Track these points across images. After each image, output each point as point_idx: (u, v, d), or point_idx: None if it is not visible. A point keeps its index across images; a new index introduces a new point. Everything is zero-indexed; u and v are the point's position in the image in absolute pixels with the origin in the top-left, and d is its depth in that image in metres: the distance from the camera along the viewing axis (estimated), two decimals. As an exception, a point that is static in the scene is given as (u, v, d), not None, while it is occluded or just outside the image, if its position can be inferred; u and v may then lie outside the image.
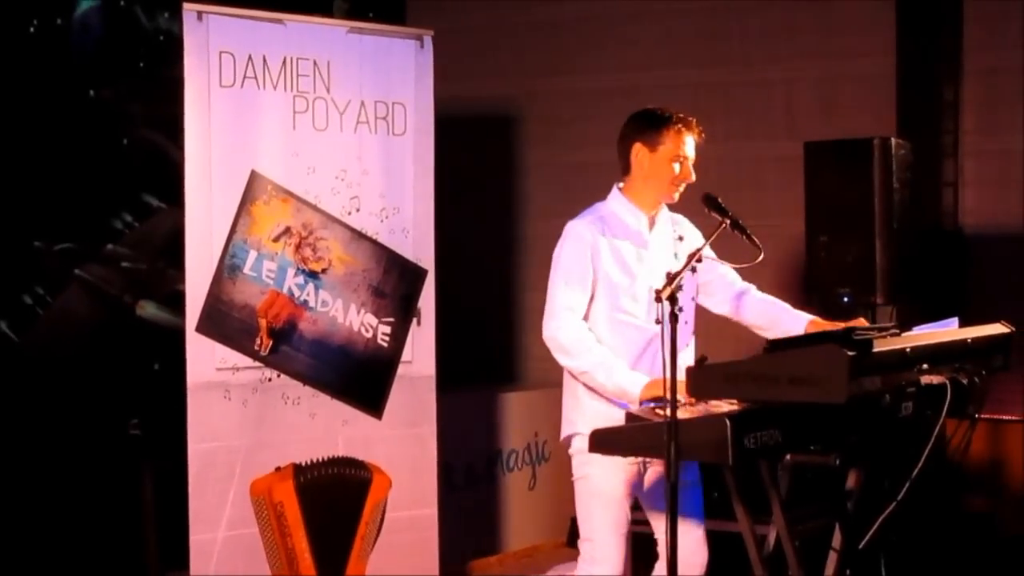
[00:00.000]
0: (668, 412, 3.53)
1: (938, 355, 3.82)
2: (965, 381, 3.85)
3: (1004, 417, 5.85)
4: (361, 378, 5.27)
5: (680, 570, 3.70)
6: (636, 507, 4.22)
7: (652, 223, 4.19)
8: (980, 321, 4.13)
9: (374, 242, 5.29)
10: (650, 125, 4.13)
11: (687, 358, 4.06)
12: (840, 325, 3.99)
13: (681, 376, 3.65)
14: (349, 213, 5.22)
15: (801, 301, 4.41)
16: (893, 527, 3.94)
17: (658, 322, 3.66)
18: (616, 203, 4.18)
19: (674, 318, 3.60)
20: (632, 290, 4.10)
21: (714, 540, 4.27)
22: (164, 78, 5.84)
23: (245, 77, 5.01)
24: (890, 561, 4.21)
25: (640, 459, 4.08)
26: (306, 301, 5.14)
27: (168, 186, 5.86)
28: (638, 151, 4.13)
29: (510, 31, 7.59)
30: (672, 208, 4.26)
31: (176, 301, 5.58)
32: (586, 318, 4.09)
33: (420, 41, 5.38)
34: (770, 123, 6.89)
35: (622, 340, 4.08)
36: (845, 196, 5.53)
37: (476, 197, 7.40)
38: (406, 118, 5.35)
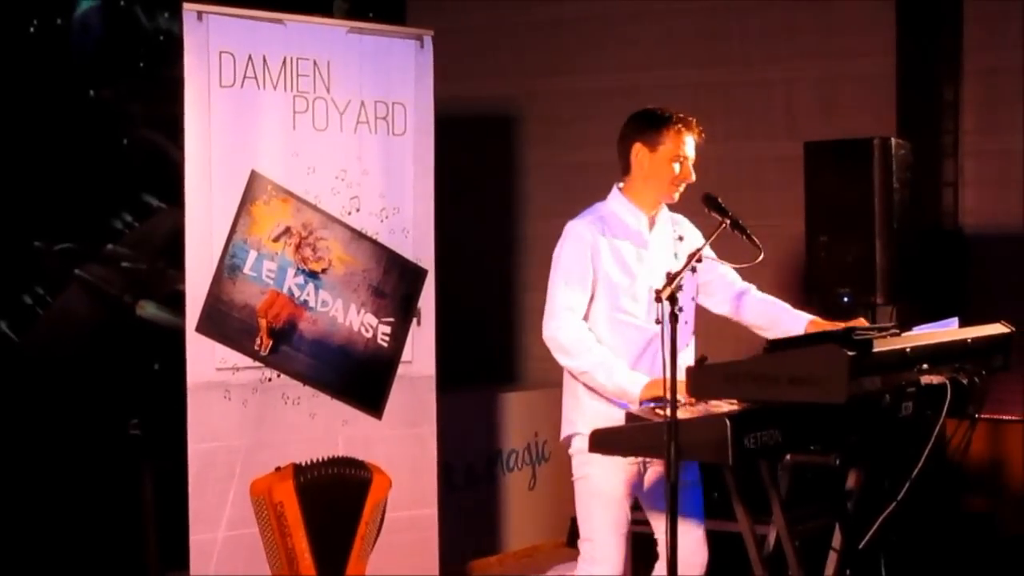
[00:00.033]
0: (668, 412, 3.53)
1: (938, 355, 3.82)
2: (965, 381, 3.85)
3: (1004, 417, 5.85)
4: (361, 378, 5.27)
5: (680, 570, 3.70)
6: (637, 507, 4.22)
7: (652, 223, 4.19)
8: (980, 321, 4.13)
9: (374, 242, 5.29)
10: (650, 125, 4.13)
11: (687, 358, 4.06)
12: (840, 325, 3.99)
13: (681, 376, 3.65)
14: (349, 213, 5.22)
15: (801, 301, 4.41)
16: (893, 527, 3.94)
17: (658, 322, 3.66)
18: (616, 203, 4.18)
19: (674, 318, 3.60)
20: (632, 290, 4.10)
21: (714, 540, 4.27)
22: (164, 78, 5.84)
23: (245, 77, 5.01)
24: (890, 561, 4.21)
25: (640, 459, 4.08)
26: (306, 301, 5.14)
27: (168, 186, 5.85)
28: (638, 151, 4.13)
29: (510, 31, 7.59)
30: (672, 208, 4.26)
31: (176, 301, 5.58)
32: (586, 318, 4.09)
33: (420, 41, 5.38)
34: (770, 123, 6.89)
35: (622, 340, 4.08)
36: (845, 196, 5.53)
37: (476, 197, 7.40)
38: (406, 118, 5.35)
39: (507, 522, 6.70)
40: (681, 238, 4.22)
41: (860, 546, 4.05)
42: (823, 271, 5.58)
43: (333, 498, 5.10)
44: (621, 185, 4.21)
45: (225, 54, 4.97)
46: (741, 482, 3.84)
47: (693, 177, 4.13)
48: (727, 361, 3.67)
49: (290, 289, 5.11)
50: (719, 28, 7.03)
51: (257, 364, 5.05)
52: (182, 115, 4.92)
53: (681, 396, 3.65)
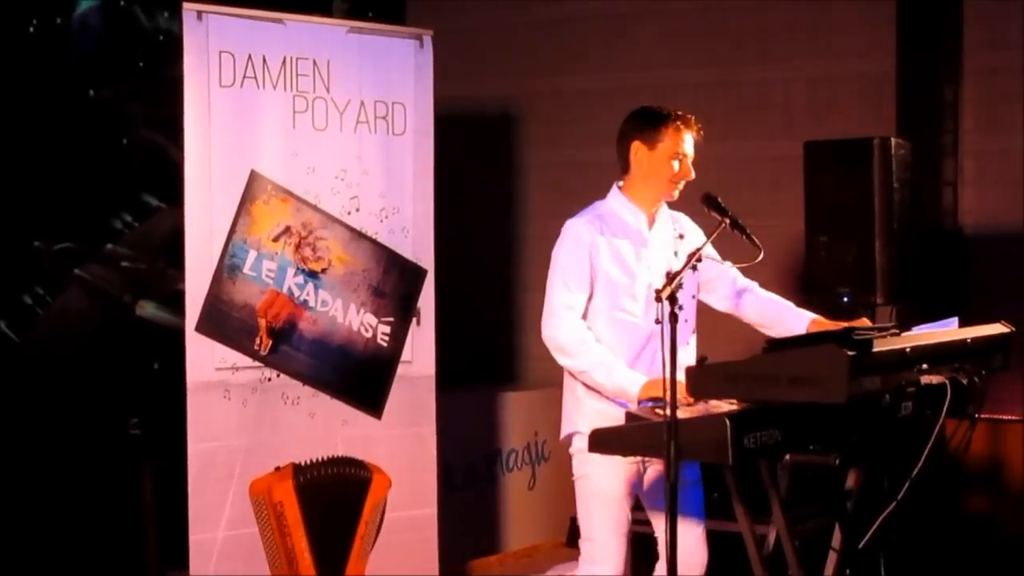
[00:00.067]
0: (668, 411, 3.53)
1: (938, 355, 3.82)
2: (965, 381, 3.85)
3: (1004, 417, 5.84)
4: (361, 378, 5.27)
5: (680, 570, 3.70)
6: (638, 507, 4.22)
7: (652, 221, 4.19)
8: (980, 321, 4.13)
9: (374, 242, 5.29)
10: (648, 123, 4.13)
11: (688, 356, 4.06)
12: (843, 325, 3.99)
13: (681, 375, 3.65)
14: (349, 213, 5.22)
15: (801, 301, 4.40)
16: (893, 527, 3.94)
17: (658, 322, 3.66)
18: (615, 202, 4.18)
19: (674, 318, 3.60)
20: (631, 289, 4.10)
21: (714, 540, 4.27)
22: (164, 78, 5.84)
23: (245, 77, 5.01)
24: (890, 561, 4.21)
25: (640, 458, 4.08)
26: (306, 301, 5.14)
27: (168, 186, 5.85)
28: (637, 149, 4.12)
29: (510, 31, 7.58)
30: (672, 206, 4.26)
31: (176, 301, 5.58)
32: (585, 316, 4.09)
33: (420, 41, 5.38)
34: (770, 123, 6.89)
35: (621, 338, 4.08)
36: (845, 196, 5.53)
37: (476, 197, 7.40)
38: (406, 118, 5.35)
39: (507, 522, 6.70)
40: (682, 236, 4.22)
41: (860, 546, 4.05)
42: (823, 271, 5.58)
43: (333, 498, 5.10)
44: (621, 184, 4.21)
45: (225, 54, 4.97)
46: (741, 482, 3.84)
47: (692, 175, 4.13)
48: (727, 361, 3.67)
49: (290, 289, 5.10)
50: (718, 28, 7.03)
51: (257, 364, 5.05)
52: (182, 115, 4.92)
53: (679, 396, 3.64)
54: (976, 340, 4.00)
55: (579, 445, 4.08)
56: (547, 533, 6.79)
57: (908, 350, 3.72)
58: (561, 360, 4.09)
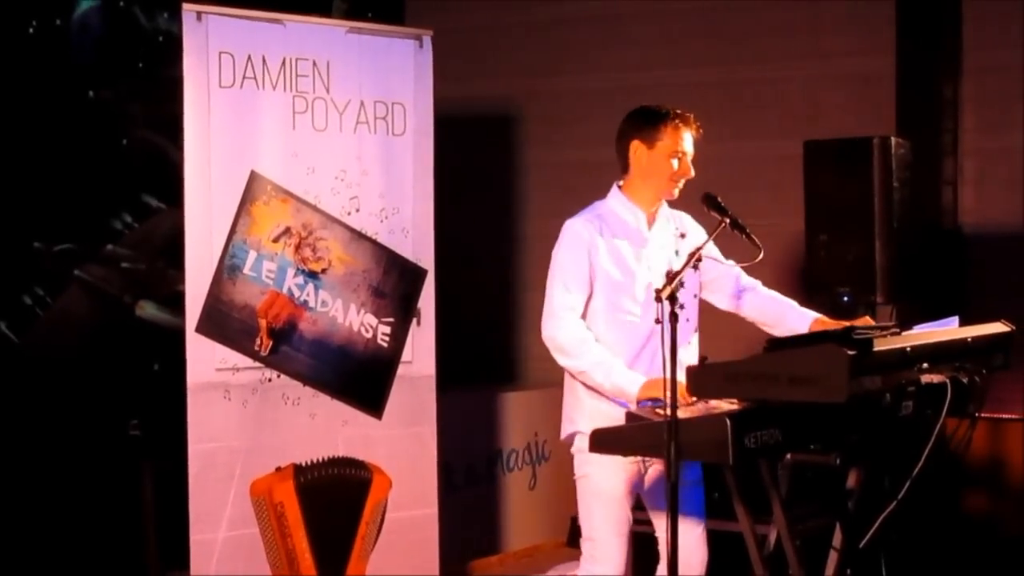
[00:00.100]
0: (668, 411, 3.53)
1: (938, 354, 3.82)
2: (965, 380, 3.85)
3: (1005, 416, 5.84)
4: (361, 378, 5.27)
5: (680, 570, 3.70)
6: (639, 506, 4.22)
7: (652, 221, 4.18)
8: (980, 320, 4.13)
9: (374, 242, 5.29)
10: (647, 122, 4.13)
11: (689, 355, 4.06)
12: (845, 324, 3.99)
13: (681, 375, 3.65)
14: (349, 213, 5.22)
15: (801, 301, 4.40)
16: (894, 526, 3.93)
17: (658, 321, 3.66)
18: (615, 201, 4.18)
19: (674, 317, 3.60)
20: (631, 288, 4.09)
21: (715, 539, 4.26)
22: (163, 78, 5.84)
23: (244, 77, 5.01)
24: (891, 560, 4.21)
25: (641, 458, 4.08)
26: (306, 301, 5.14)
27: (168, 186, 5.86)
28: (636, 148, 4.12)
29: (510, 31, 7.58)
30: (672, 206, 4.25)
31: (176, 301, 5.58)
32: (584, 316, 4.09)
33: (419, 41, 5.38)
34: (770, 122, 6.89)
35: (621, 338, 4.08)
36: (845, 195, 5.53)
37: (476, 197, 7.40)
38: (405, 118, 5.35)
39: (507, 522, 6.70)
40: (683, 235, 4.21)
41: (861, 545, 4.05)
42: (823, 270, 5.58)
43: (333, 498, 5.10)
44: (621, 183, 4.20)
45: (224, 54, 4.97)
46: (741, 481, 3.84)
47: (692, 173, 4.12)
48: (727, 360, 3.67)
49: (290, 289, 5.10)
50: (718, 28, 7.03)
51: (257, 364, 5.05)
52: (181, 116, 4.92)
53: (679, 397, 3.64)
54: (977, 339, 4.00)
55: (580, 445, 4.08)
56: (548, 533, 6.79)
57: (908, 349, 3.72)
58: (561, 360, 4.08)
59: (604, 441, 3.81)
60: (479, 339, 7.23)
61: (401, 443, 5.33)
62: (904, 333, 3.86)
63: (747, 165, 6.78)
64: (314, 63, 5.15)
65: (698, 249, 3.85)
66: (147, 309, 6.39)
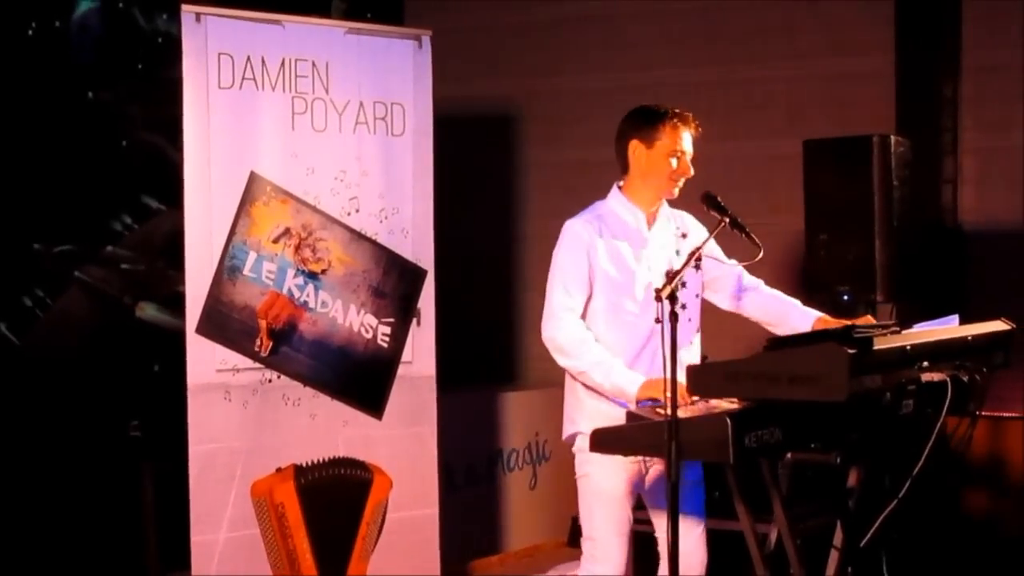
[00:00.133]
0: (668, 411, 3.52)
1: (938, 352, 3.82)
2: (966, 378, 3.84)
3: (1005, 415, 5.84)
4: (361, 379, 5.27)
5: (680, 570, 3.70)
6: (640, 506, 4.22)
7: (652, 220, 4.18)
8: (980, 318, 4.13)
9: (374, 243, 5.29)
10: (646, 121, 4.12)
11: (692, 355, 4.06)
12: (847, 322, 3.99)
13: (682, 375, 3.65)
14: (348, 214, 5.22)
15: (801, 300, 4.40)
16: (894, 525, 3.93)
17: (658, 321, 3.66)
18: (615, 202, 4.18)
19: (674, 317, 3.60)
20: (631, 288, 4.09)
21: (716, 539, 4.26)
22: (163, 80, 5.84)
23: (244, 78, 5.01)
24: (891, 559, 4.21)
25: (642, 458, 4.08)
26: (306, 302, 5.14)
27: (167, 188, 5.85)
28: (635, 148, 4.12)
29: (510, 31, 7.58)
30: (673, 205, 4.25)
31: (176, 302, 5.58)
32: (584, 316, 4.08)
33: (418, 41, 5.38)
34: (769, 121, 6.89)
35: (621, 338, 4.07)
36: (845, 194, 5.53)
37: (476, 197, 7.40)
38: (405, 118, 5.35)
39: (508, 522, 6.70)
40: (685, 235, 4.21)
41: (861, 544, 4.04)
42: (823, 269, 5.58)
43: (334, 499, 5.10)
44: (621, 184, 4.20)
45: (223, 55, 4.97)
46: (742, 481, 3.84)
47: (691, 172, 4.12)
48: (727, 359, 3.67)
49: (290, 290, 5.10)
50: (718, 27, 7.03)
51: (257, 365, 5.05)
52: (181, 117, 4.92)
53: (679, 397, 3.64)
54: (977, 337, 4.00)
55: (581, 445, 4.08)
56: (548, 533, 6.79)
57: (909, 348, 3.72)
58: (560, 361, 4.08)
59: (604, 441, 3.81)
60: (479, 339, 7.23)
61: (401, 443, 5.33)
62: (904, 332, 3.85)
63: (747, 165, 6.78)
64: (313, 64, 5.15)
65: (698, 248, 3.85)
66: (147, 310, 6.39)
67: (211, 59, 4.94)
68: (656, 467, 4.12)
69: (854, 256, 5.49)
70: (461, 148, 6.43)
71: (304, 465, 5.06)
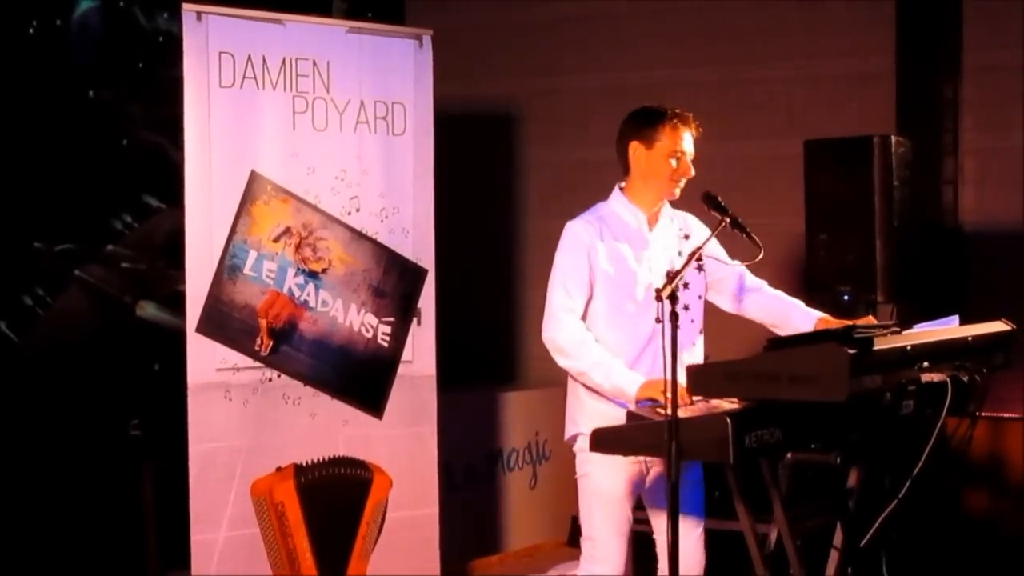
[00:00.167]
0: (669, 411, 3.52)
1: (939, 353, 3.82)
2: (966, 379, 3.85)
3: (1005, 415, 5.84)
4: (361, 378, 5.27)
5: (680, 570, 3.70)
6: (640, 506, 4.22)
7: (654, 221, 4.18)
8: (981, 319, 4.13)
9: (374, 242, 5.29)
10: (646, 122, 4.12)
11: (694, 356, 4.06)
12: (848, 323, 3.99)
13: (682, 376, 3.65)
14: (349, 213, 5.22)
15: (802, 300, 4.40)
16: (894, 525, 3.93)
17: (658, 321, 3.66)
18: (616, 203, 4.18)
19: (675, 317, 3.60)
20: (631, 289, 4.09)
21: (716, 539, 4.26)
22: (163, 79, 5.84)
23: (244, 77, 5.01)
24: (891, 559, 4.21)
25: (643, 458, 4.08)
26: (306, 301, 5.14)
27: (168, 187, 5.86)
28: (635, 149, 4.12)
29: (510, 31, 7.59)
30: (674, 205, 4.25)
31: (176, 302, 5.58)
32: (585, 317, 4.08)
33: (419, 41, 5.38)
34: (770, 121, 6.89)
35: (621, 339, 4.07)
36: (845, 194, 5.53)
37: (476, 197, 7.40)
38: (406, 118, 5.35)
39: (508, 521, 6.70)
40: (687, 236, 4.20)
41: (861, 544, 4.05)
42: (823, 269, 5.58)
43: (334, 498, 5.10)
44: (622, 185, 4.20)
45: (224, 54, 4.97)
46: (742, 481, 3.84)
47: (692, 172, 4.11)
48: (727, 360, 3.67)
49: (290, 289, 5.11)
50: (718, 27, 7.03)
51: (257, 364, 5.05)
52: (182, 116, 4.92)
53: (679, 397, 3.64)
54: (977, 338, 4.00)
55: (582, 445, 4.08)
56: (548, 533, 6.79)
57: (909, 348, 3.72)
58: (561, 362, 4.08)
59: (604, 441, 3.81)
60: (479, 339, 7.23)
61: (401, 443, 5.33)
62: (904, 332, 3.85)
63: (747, 165, 6.78)
64: (314, 63, 5.15)
65: (698, 248, 3.85)
66: (147, 309, 6.39)
67: (212, 58, 4.94)
68: (657, 468, 4.12)
69: (854, 256, 5.50)
70: (461, 148, 6.42)
71: (304, 464, 5.06)
